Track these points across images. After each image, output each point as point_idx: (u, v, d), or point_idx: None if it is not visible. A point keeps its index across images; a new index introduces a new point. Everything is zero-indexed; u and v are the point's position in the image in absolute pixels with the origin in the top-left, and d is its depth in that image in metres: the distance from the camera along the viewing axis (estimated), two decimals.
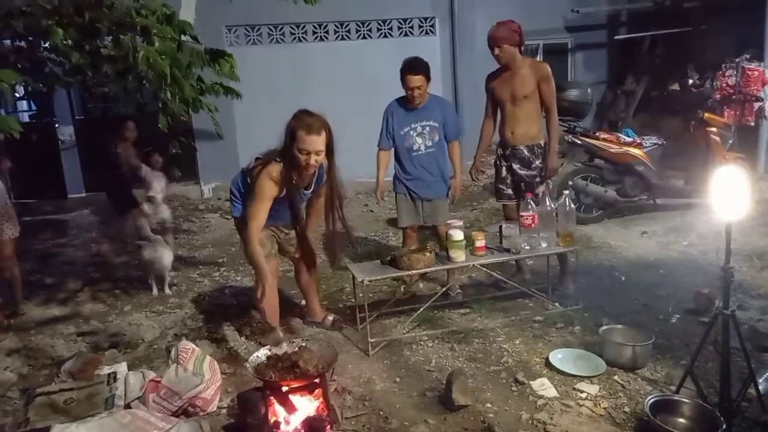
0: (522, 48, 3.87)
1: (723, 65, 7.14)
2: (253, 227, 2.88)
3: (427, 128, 3.94)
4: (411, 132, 3.96)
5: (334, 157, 3.04)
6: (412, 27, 8.36)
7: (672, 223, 5.55)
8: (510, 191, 4.06)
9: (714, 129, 5.90)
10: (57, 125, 8.46)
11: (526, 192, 3.76)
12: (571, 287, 3.96)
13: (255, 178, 2.94)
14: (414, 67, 3.80)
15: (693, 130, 6.07)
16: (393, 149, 4.07)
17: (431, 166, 3.99)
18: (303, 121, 2.85)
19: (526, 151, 3.94)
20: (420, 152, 3.98)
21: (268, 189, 2.91)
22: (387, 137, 4.03)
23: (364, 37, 8.27)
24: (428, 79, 3.86)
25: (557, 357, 3.12)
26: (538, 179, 3.95)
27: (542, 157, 3.95)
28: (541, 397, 2.80)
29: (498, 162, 4.13)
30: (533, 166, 3.95)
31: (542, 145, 3.96)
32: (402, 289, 4.20)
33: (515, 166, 3.98)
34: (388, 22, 8.28)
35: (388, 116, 4.01)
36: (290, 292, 4.17)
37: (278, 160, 2.92)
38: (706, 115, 6.06)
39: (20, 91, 7.53)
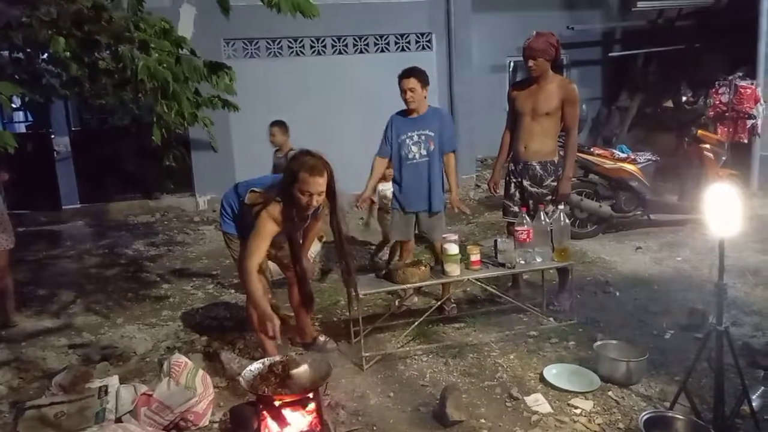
0: (556, 63, 3.81)
1: (716, 83, 7.23)
2: (252, 263, 2.86)
3: (423, 137, 3.94)
4: (407, 140, 3.96)
5: (337, 199, 3.01)
6: (409, 42, 8.44)
7: (666, 238, 5.58)
8: (516, 209, 3.91)
9: (707, 146, 5.96)
10: (53, 136, 8.45)
11: (534, 209, 3.73)
12: (567, 303, 3.95)
13: (255, 216, 2.94)
14: (406, 71, 3.90)
15: (687, 147, 6.13)
16: (389, 160, 4.09)
17: (423, 175, 3.96)
18: (306, 163, 2.83)
19: (539, 168, 3.87)
20: (414, 160, 3.97)
21: (270, 229, 2.91)
22: (386, 144, 4.04)
23: (361, 52, 8.34)
24: (423, 84, 3.89)
25: (552, 372, 3.11)
26: (549, 198, 3.88)
27: (555, 176, 3.88)
28: (536, 412, 2.79)
29: (508, 177, 4.06)
30: (545, 184, 3.87)
31: (555, 162, 3.89)
32: (397, 303, 4.19)
33: (525, 183, 3.91)
34: (385, 37, 8.35)
35: (389, 125, 4.05)
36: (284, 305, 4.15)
37: (278, 199, 2.92)
38: (700, 132, 6.13)
39: (17, 102, 7.54)
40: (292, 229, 3.02)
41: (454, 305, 4.11)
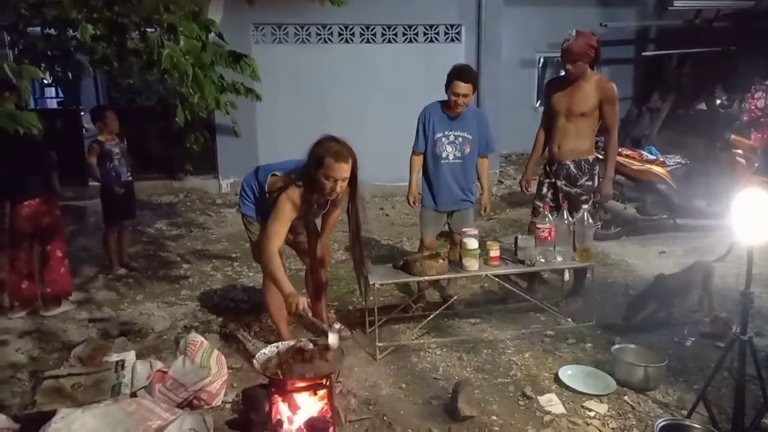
0: (595, 62, 3.65)
1: (752, 87, 7.05)
2: (272, 246, 2.87)
3: (460, 139, 3.80)
4: (443, 139, 3.80)
5: (358, 186, 3.00)
6: (437, 33, 8.34)
7: (692, 244, 5.45)
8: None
9: (740, 151, 5.81)
10: (82, 113, 8.57)
11: (569, 210, 3.63)
12: (574, 305, 3.89)
13: (275, 200, 2.95)
14: (464, 73, 3.62)
15: (718, 151, 5.99)
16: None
17: (456, 176, 3.85)
18: (331, 148, 2.82)
19: (572, 167, 3.79)
20: (447, 161, 3.83)
21: (288, 213, 2.91)
22: (424, 139, 3.85)
23: (389, 41, 8.27)
24: (476, 89, 3.70)
25: (567, 373, 3.08)
26: (584, 197, 3.80)
27: (589, 174, 3.80)
28: (549, 413, 2.76)
29: (542, 178, 3.99)
30: (579, 183, 3.79)
31: (590, 161, 3.81)
32: (413, 306, 4.00)
33: (560, 183, 3.83)
34: (413, 27, 8.27)
35: (425, 118, 3.84)
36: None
37: (299, 184, 2.92)
38: (733, 136, 5.98)
39: (48, 78, 7.65)
40: (310, 214, 3.01)
41: (455, 296, 4.01)
